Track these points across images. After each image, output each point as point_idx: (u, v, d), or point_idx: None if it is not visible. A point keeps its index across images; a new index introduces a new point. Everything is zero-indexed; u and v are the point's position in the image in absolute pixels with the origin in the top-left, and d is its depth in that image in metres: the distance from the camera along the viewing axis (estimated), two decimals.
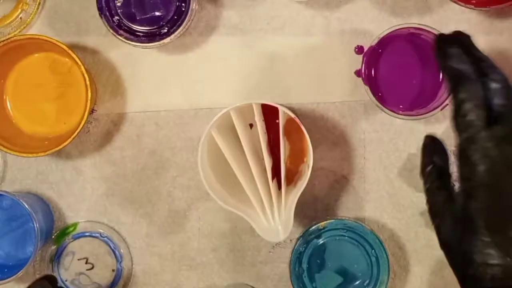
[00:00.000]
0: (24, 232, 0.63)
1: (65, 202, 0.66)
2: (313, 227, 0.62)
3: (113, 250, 0.66)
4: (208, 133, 0.58)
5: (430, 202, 0.48)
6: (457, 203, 0.45)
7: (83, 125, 0.60)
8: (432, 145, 0.50)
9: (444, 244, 0.46)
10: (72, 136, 0.60)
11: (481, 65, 0.46)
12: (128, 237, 0.66)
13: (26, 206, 0.60)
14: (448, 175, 0.48)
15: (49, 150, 0.60)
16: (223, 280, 0.66)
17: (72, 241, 0.66)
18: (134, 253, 0.66)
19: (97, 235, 0.66)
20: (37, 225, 0.60)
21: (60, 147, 0.60)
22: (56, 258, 0.66)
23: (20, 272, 0.61)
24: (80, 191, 0.66)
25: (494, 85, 0.45)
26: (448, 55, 0.45)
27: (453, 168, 0.61)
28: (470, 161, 0.43)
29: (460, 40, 0.46)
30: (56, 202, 0.66)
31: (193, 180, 0.65)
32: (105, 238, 0.66)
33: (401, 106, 0.60)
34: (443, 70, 0.46)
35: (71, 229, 0.66)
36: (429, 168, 0.49)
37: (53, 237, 0.66)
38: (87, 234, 0.66)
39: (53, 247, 0.66)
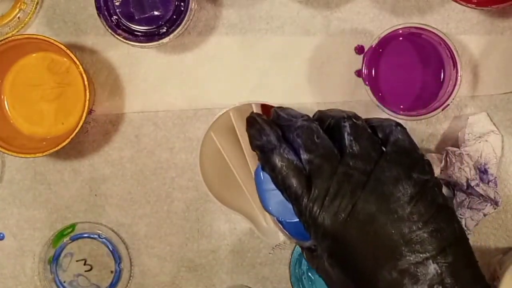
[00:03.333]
0: None
1: (63, 203, 0.66)
2: None
3: (111, 251, 0.65)
4: (207, 133, 0.58)
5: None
6: (329, 274, 0.43)
7: (82, 126, 0.60)
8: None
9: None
10: (70, 137, 0.60)
11: (282, 126, 0.44)
12: (126, 239, 0.66)
13: None
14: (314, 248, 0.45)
15: (47, 150, 0.60)
16: (223, 281, 0.66)
17: (70, 242, 0.66)
18: (133, 255, 0.66)
19: (96, 236, 0.65)
20: None
21: (58, 147, 0.60)
22: (54, 259, 0.66)
23: None
24: (78, 192, 0.66)
25: (295, 144, 0.42)
26: (250, 136, 0.44)
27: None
28: (311, 232, 0.41)
29: (254, 117, 0.45)
30: (54, 203, 0.66)
31: (192, 181, 0.65)
32: (104, 239, 0.65)
33: (401, 106, 0.60)
34: (254, 151, 0.45)
35: (69, 230, 0.65)
36: (304, 254, 0.47)
37: (51, 238, 0.65)
38: (85, 235, 0.65)
39: (51, 249, 0.65)
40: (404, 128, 0.43)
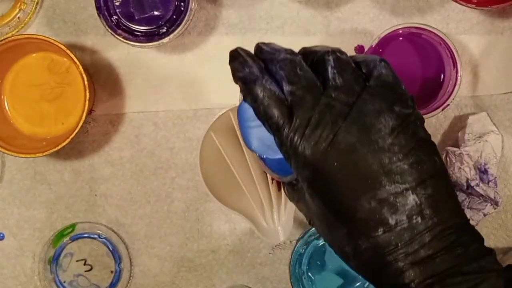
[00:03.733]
0: None
1: (63, 203, 0.66)
2: (313, 228, 0.61)
3: (111, 251, 0.65)
4: (207, 133, 0.58)
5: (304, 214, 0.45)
6: (310, 206, 0.42)
7: (82, 126, 0.60)
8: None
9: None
10: (71, 137, 0.60)
11: (263, 57, 0.43)
12: (127, 238, 0.66)
13: None
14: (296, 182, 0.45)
15: (47, 150, 0.60)
16: (223, 281, 0.66)
17: (70, 242, 0.66)
18: (133, 255, 0.66)
19: (96, 236, 0.65)
20: None
21: (58, 147, 0.60)
22: (54, 259, 0.66)
23: None
24: (78, 192, 0.66)
25: (277, 76, 0.42)
26: (232, 69, 0.43)
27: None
28: (291, 163, 0.41)
29: (237, 51, 0.44)
30: (54, 203, 0.66)
31: (192, 181, 0.65)
32: (104, 239, 0.65)
33: None
34: (237, 83, 0.44)
35: (69, 230, 0.65)
36: (285, 189, 0.47)
37: (51, 238, 0.65)
38: (85, 235, 0.65)
39: (51, 249, 0.65)
40: (389, 64, 0.42)
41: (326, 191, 0.40)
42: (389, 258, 0.38)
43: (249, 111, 0.43)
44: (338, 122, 0.39)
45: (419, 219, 0.38)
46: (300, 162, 0.40)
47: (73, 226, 0.66)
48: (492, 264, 0.39)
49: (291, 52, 0.43)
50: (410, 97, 0.41)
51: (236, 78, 0.43)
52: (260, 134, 0.44)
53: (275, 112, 0.41)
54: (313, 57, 0.43)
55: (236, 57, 0.43)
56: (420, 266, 0.38)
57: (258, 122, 0.43)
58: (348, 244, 0.40)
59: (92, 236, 0.65)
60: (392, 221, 0.38)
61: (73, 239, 0.66)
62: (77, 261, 0.66)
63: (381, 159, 0.39)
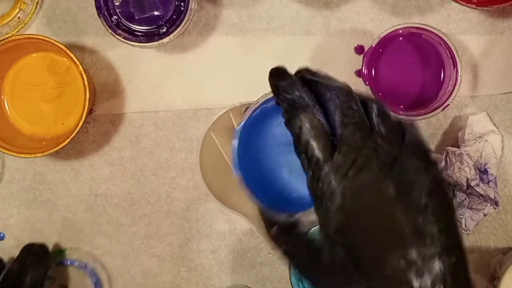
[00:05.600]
0: None
1: (63, 203, 0.66)
2: (313, 228, 0.61)
3: (95, 284, 0.65)
4: (207, 133, 0.58)
5: (294, 261, 0.42)
6: (323, 254, 0.39)
7: (82, 126, 0.60)
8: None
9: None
10: (70, 137, 0.60)
11: (317, 88, 0.41)
12: (126, 239, 0.66)
13: None
14: (294, 225, 0.42)
15: (47, 150, 0.60)
16: (223, 281, 0.66)
17: (55, 266, 0.65)
18: (133, 255, 0.66)
19: (82, 266, 0.65)
20: None
21: (58, 147, 0.60)
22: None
23: None
24: (78, 192, 0.66)
25: (330, 103, 0.40)
26: (278, 87, 0.41)
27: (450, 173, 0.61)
28: (322, 203, 0.38)
29: (283, 70, 0.42)
30: (54, 203, 0.66)
31: (192, 181, 0.65)
32: (89, 271, 0.65)
33: (401, 106, 0.60)
34: (279, 104, 0.41)
35: (57, 254, 0.65)
36: (274, 230, 0.42)
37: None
38: (72, 263, 0.65)
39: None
40: (415, 125, 0.41)
41: (355, 241, 0.38)
42: None
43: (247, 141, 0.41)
44: (383, 170, 0.37)
45: (442, 286, 0.37)
46: (336, 204, 0.38)
47: (63, 251, 0.65)
48: None
49: (345, 84, 0.41)
50: (437, 159, 0.41)
51: (282, 99, 0.41)
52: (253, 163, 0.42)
53: (320, 145, 0.38)
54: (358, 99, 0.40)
55: (283, 76, 0.41)
56: None
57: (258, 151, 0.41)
58: None
59: (78, 265, 0.65)
60: (416, 284, 0.37)
61: (60, 264, 0.65)
62: (59, 285, 0.65)
63: (416, 219, 0.37)
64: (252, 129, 0.45)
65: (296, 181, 0.45)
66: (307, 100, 0.40)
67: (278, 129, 0.46)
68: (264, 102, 0.45)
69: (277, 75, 0.41)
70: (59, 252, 0.65)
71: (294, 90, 0.40)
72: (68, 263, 0.65)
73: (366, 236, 0.38)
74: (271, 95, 0.42)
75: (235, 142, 0.43)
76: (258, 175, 0.42)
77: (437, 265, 0.37)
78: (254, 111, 0.45)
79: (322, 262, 0.39)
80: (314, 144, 0.38)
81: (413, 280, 0.37)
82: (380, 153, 0.38)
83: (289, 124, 0.40)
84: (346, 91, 0.40)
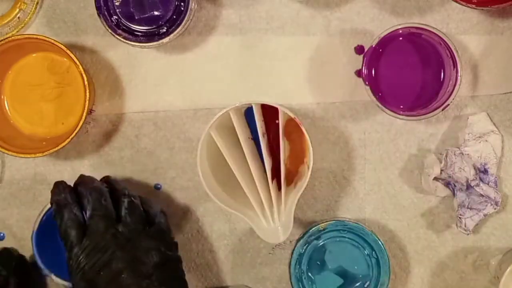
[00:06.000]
0: None
1: None
2: (313, 228, 0.61)
3: None
4: (207, 133, 0.58)
5: None
6: None
7: (82, 126, 0.60)
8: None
9: None
10: (70, 137, 0.60)
11: (79, 189, 0.57)
12: None
13: None
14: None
15: (47, 150, 0.60)
16: (223, 281, 0.66)
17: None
18: None
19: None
20: None
21: (58, 147, 0.60)
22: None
23: None
24: None
25: (85, 200, 0.55)
26: (52, 192, 0.57)
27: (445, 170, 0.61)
28: (73, 274, 0.53)
29: (60, 181, 0.58)
30: None
31: (192, 181, 0.65)
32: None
33: (401, 107, 0.60)
34: (51, 204, 0.57)
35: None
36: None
37: None
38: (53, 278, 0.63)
39: None
40: (165, 215, 0.60)
41: None
42: None
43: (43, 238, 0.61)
44: (116, 251, 0.53)
45: None
46: (79, 274, 0.53)
47: None
48: None
49: (101, 182, 0.58)
50: (175, 243, 0.58)
51: (52, 200, 0.56)
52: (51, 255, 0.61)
53: (73, 233, 0.54)
54: (114, 191, 0.57)
55: (58, 184, 0.57)
56: None
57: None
58: None
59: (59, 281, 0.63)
60: None
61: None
62: None
63: (140, 283, 0.52)
64: (45, 230, 0.62)
65: None
66: (69, 200, 0.55)
67: None
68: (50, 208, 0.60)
69: (54, 185, 0.57)
70: None
71: (61, 193, 0.56)
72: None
73: None
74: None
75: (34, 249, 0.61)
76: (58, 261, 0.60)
77: None
78: (42, 217, 0.62)
79: None
80: (69, 231, 0.54)
81: None
82: (117, 237, 0.54)
83: (55, 217, 0.55)
84: (99, 190, 0.56)
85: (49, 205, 0.60)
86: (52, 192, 0.56)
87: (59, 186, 0.57)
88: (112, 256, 0.53)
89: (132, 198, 0.57)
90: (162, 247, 0.55)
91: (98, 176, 0.65)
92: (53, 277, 0.61)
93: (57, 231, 0.55)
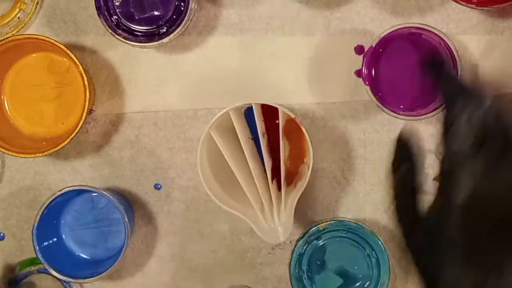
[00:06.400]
0: (109, 232, 0.65)
1: None
2: (313, 228, 0.61)
3: None
4: (207, 133, 0.58)
5: (398, 206, 0.45)
6: (430, 215, 0.42)
7: (82, 126, 0.60)
8: (405, 149, 0.46)
9: (414, 254, 0.43)
10: (70, 137, 0.60)
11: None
12: None
13: (121, 215, 0.60)
14: (416, 188, 0.45)
15: (47, 150, 0.60)
16: (222, 281, 0.66)
17: (35, 273, 0.65)
18: (133, 255, 0.66)
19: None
20: (128, 231, 0.60)
21: (58, 147, 0.60)
22: (15, 282, 0.65)
23: (108, 270, 0.60)
24: None
25: (488, 105, 0.43)
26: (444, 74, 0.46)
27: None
28: (456, 181, 0.41)
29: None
30: None
31: (192, 181, 0.65)
32: (67, 285, 0.65)
33: (401, 107, 0.60)
34: (441, 84, 0.46)
35: (39, 261, 0.63)
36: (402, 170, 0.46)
37: (20, 261, 0.65)
38: (52, 273, 0.63)
39: (17, 271, 0.65)
40: None
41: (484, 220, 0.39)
42: None
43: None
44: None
45: None
46: (474, 189, 0.40)
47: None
48: None
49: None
50: None
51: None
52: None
53: (473, 133, 0.41)
54: None
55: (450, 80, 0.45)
56: None
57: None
58: None
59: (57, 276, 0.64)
60: None
61: (40, 272, 0.65)
62: None
63: None
64: (46, 224, 0.62)
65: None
66: (472, 93, 0.43)
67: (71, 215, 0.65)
68: (54, 199, 0.60)
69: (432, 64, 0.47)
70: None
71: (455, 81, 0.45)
72: (48, 272, 0.62)
73: (487, 227, 0.39)
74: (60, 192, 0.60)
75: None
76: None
77: None
78: (43, 211, 0.61)
79: (426, 222, 0.42)
80: (468, 132, 0.41)
81: None
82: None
83: (449, 106, 0.43)
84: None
85: (50, 199, 0.60)
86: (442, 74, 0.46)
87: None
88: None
89: None
90: None
91: (98, 175, 0.65)
92: (53, 272, 0.60)
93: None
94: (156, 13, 0.60)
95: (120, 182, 0.65)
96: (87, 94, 0.60)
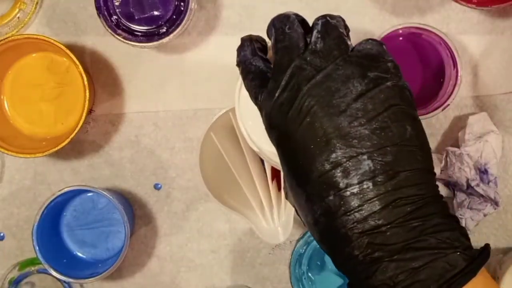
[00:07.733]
0: (109, 232, 0.65)
1: None
2: None
3: None
4: (207, 133, 0.58)
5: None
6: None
7: (81, 126, 0.60)
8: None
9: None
10: (70, 137, 0.60)
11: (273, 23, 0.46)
12: None
13: (121, 215, 0.60)
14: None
15: (47, 150, 0.60)
16: (223, 281, 0.66)
17: (35, 273, 0.65)
18: (133, 255, 0.66)
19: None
20: (128, 231, 0.60)
21: (58, 147, 0.60)
22: (15, 282, 0.65)
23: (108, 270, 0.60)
24: None
25: (270, 29, 0.45)
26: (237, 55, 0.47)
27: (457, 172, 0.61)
28: (266, 129, 0.43)
29: (243, 37, 0.47)
30: None
31: (192, 181, 0.65)
32: (66, 285, 0.65)
33: None
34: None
35: (39, 261, 0.63)
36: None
37: (20, 261, 0.65)
38: (52, 273, 0.63)
39: (17, 271, 0.65)
40: (380, 44, 0.43)
41: (289, 154, 0.40)
42: (338, 225, 0.37)
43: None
44: (301, 85, 0.40)
45: (370, 184, 0.37)
46: (268, 123, 0.41)
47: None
48: (454, 240, 0.37)
49: (294, 12, 0.45)
50: (394, 65, 0.42)
51: (236, 63, 0.47)
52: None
53: (253, 84, 0.43)
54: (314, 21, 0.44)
55: (240, 44, 0.47)
56: (368, 237, 0.37)
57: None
58: (309, 212, 0.39)
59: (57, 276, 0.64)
60: (342, 185, 0.37)
61: (40, 272, 0.65)
62: None
63: (339, 123, 0.38)
64: (46, 224, 0.61)
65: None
66: (248, 55, 0.45)
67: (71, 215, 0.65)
68: (53, 200, 0.60)
69: (239, 45, 0.47)
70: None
71: (241, 52, 0.46)
72: (48, 272, 0.62)
73: (296, 147, 0.40)
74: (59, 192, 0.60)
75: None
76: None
77: (365, 164, 0.38)
78: (43, 210, 0.60)
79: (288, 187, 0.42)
80: (251, 84, 0.44)
81: (339, 182, 0.38)
82: (304, 69, 0.40)
83: (243, 79, 0.46)
84: (284, 16, 0.44)
85: (50, 199, 0.60)
86: (237, 55, 0.47)
87: (241, 46, 0.47)
88: (297, 92, 0.40)
89: (328, 18, 0.44)
90: (370, 72, 0.40)
91: (98, 175, 0.65)
92: (53, 272, 0.60)
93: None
94: (156, 13, 0.60)
95: (120, 182, 0.66)
96: (87, 94, 0.60)
